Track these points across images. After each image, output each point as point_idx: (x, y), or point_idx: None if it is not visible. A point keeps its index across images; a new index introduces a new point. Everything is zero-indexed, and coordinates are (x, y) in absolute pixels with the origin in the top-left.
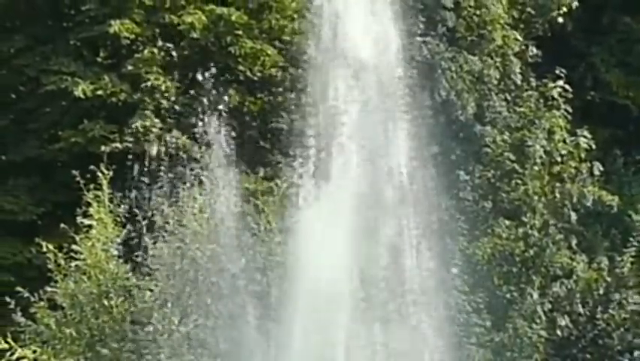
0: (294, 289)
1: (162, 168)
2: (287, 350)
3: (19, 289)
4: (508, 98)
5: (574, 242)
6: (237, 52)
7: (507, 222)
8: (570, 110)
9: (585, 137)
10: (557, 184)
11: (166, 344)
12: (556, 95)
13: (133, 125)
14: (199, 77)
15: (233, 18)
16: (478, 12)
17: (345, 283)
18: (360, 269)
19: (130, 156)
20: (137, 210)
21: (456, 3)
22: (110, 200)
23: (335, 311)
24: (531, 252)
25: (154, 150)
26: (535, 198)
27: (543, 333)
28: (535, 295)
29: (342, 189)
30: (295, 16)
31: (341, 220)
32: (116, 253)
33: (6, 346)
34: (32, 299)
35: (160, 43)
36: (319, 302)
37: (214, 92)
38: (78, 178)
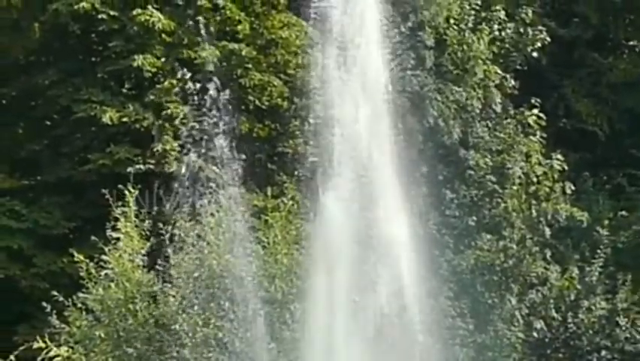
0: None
1: (181, 186)
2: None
3: (54, 293)
4: (489, 125)
5: (548, 254)
6: (247, 83)
7: (488, 236)
8: (544, 136)
9: (558, 160)
10: (533, 202)
11: (189, 345)
12: (532, 123)
13: (155, 149)
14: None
15: (243, 53)
16: (461, 49)
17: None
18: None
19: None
20: (160, 225)
21: (441, 41)
22: (136, 216)
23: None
24: (510, 262)
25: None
26: (514, 214)
27: (520, 335)
28: (514, 301)
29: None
30: (299, 51)
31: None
32: (141, 263)
33: (43, 345)
34: (66, 304)
35: (179, 75)
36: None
37: (227, 119)
38: (107, 196)
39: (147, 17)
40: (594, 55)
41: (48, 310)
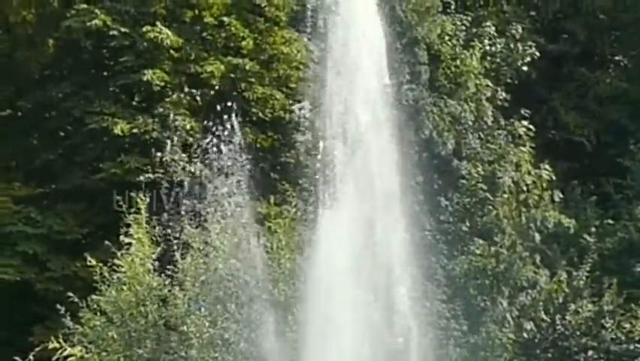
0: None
1: (189, 194)
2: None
3: (68, 295)
4: (482, 136)
5: (538, 259)
6: (251, 96)
7: (481, 241)
8: (534, 146)
9: (547, 169)
10: (523, 210)
11: (197, 345)
12: (522, 134)
13: (163, 159)
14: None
15: (247, 67)
16: (454, 64)
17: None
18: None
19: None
20: (169, 231)
21: (434, 57)
22: (147, 222)
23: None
24: (501, 267)
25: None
26: (505, 221)
27: (511, 336)
28: (505, 304)
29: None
30: (300, 66)
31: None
32: (151, 267)
33: (57, 345)
34: (80, 306)
35: (186, 89)
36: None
37: (231, 130)
38: (120, 203)
39: (156, 34)
40: (581, 69)
41: (62, 312)
